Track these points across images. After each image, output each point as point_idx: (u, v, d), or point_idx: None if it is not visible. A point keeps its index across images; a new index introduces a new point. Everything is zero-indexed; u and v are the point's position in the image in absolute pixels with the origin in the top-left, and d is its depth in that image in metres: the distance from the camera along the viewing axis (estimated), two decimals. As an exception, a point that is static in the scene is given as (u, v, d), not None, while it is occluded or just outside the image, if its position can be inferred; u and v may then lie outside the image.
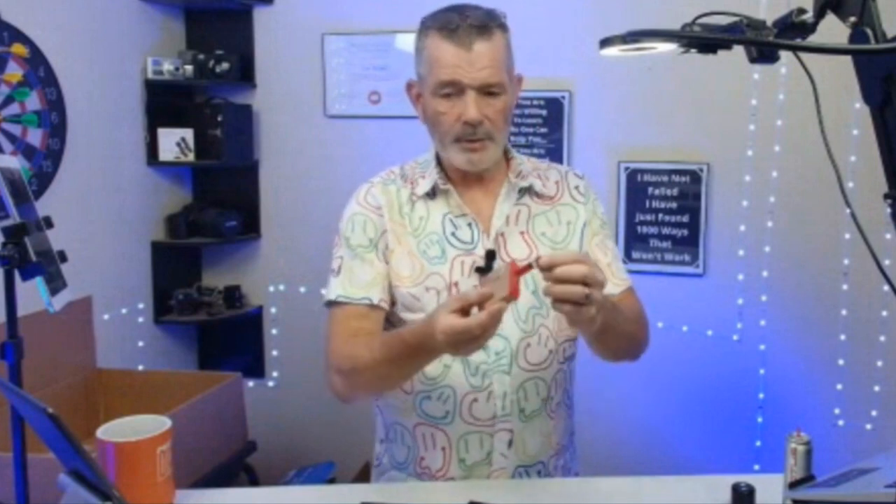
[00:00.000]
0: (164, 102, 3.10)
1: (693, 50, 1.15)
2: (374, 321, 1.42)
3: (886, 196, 0.87)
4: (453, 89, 1.35)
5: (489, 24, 1.34)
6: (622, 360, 1.48)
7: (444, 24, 1.34)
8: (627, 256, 2.89)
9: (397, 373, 1.35)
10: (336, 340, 1.41)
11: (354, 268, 1.43)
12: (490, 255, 1.41)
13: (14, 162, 1.48)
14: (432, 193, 1.45)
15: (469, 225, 1.44)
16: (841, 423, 2.72)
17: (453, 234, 1.43)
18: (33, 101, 2.55)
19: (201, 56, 3.08)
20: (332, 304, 1.44)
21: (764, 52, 1.07)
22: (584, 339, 1.41)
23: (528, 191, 1.47)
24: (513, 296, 1.14)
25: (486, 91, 1.35)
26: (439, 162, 1.47)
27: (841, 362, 2.70)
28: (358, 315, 1.41)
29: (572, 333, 1.48)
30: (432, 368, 1.40)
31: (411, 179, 1.48)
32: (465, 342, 1.16)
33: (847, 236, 2.65)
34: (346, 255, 1.45)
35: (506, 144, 1.48)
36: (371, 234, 1.44)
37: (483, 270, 1.40)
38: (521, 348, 1.41)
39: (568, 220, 1.48)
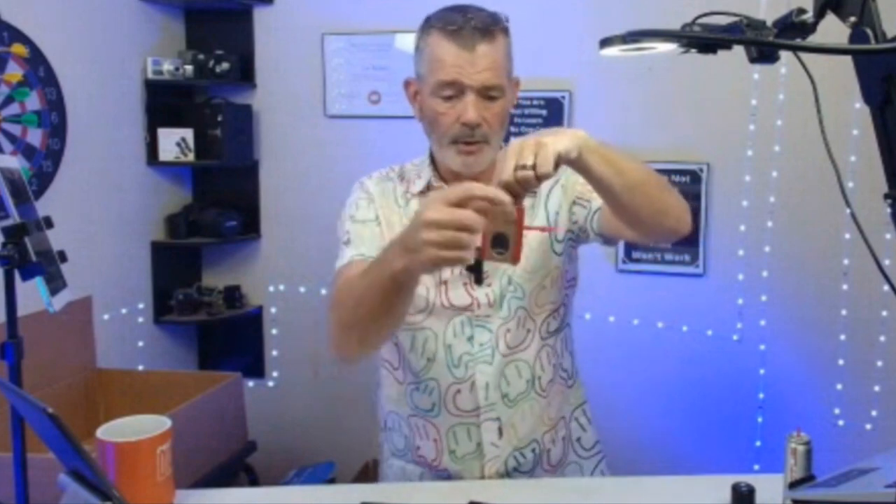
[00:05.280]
0: (163, 102, 3.10)
1: (693, 50, 1.15)
2: None
3: (886, 196, 0.86)
4: (453, 90, 1.34)
5: (492, 26, 1.34)
6: (662, 230, 1.32)
7: (447, 23, 1.34)
8: (627, 256, 2.89)
9: (379, 298, 1.18)
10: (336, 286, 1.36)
11: (364, 233, 1.42)
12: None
13: (14, 162, 1.48)
14: (426, 192, 1.46)
15: None
16: (841, 423, 2.72)
17: None
18: (33, 101, 2.55)
19: (201, 56, 3.08)
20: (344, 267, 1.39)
21: (764, 52, 1.07)
22: (602, 195, 1.28)
23: None
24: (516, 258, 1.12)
25: (486, 94, 1.34)
26: (433, 161, 1.47)
27: (841, 362, 2.70)
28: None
29: (552, 306, 1.46)
30: (417, 362, 1.44)
31: (408, 179, 1.50)
32: (444, 239, 1.04)
33: (847, 236, 2.64)
34: (354, 228, 1.44)
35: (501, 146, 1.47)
36: (374, 214, 1.46)
37: (472, 269, 1.40)
38: (502, 334, 1.42)
39: (556, 211, 1.46)
